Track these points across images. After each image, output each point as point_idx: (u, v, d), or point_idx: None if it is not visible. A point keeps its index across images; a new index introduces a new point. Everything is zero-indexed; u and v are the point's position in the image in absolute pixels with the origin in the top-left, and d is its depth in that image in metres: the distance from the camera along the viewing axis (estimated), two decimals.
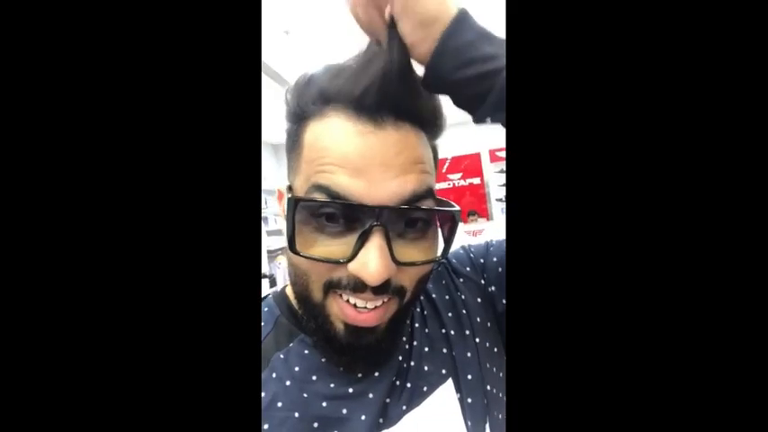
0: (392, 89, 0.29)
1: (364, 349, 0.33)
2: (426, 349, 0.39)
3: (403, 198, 0.29)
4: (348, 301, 0.31)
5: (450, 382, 0.38)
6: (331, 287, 0.31)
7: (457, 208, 0.33)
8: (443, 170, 4.42)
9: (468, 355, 0.39)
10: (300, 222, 0.30)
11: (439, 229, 0.34)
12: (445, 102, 0.33)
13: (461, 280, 0.43)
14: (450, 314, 0.41)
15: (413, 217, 0.31)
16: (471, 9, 0.30)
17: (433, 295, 0.42)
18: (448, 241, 0.33)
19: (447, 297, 0.42)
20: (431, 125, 0.33)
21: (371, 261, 0.28)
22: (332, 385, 0.35)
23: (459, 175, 4.45)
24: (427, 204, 0.30)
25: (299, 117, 0.32)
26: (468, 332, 0.40)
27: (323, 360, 0.36)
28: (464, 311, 0.41)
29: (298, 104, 0.32)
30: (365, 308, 0.31)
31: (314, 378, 0.36)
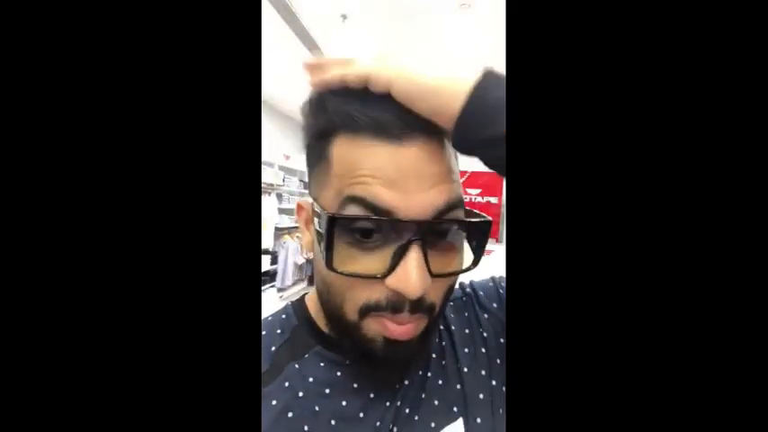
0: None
1: (398, 361, 0.33)
2: (440, 382, 0.38)
3: (439, 209, 0.29)
4: (395, 321, 0.31)
5: (460, 421, 0.37)
6: (369, 310, 0.31)
7: (489, 219, 0.33)
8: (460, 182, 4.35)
9: (481, 396, 0.38)
10: (336, 241, 0.29)
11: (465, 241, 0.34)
12: None
13: (486, 316, 0.42)
14: (466, 350, 0.40)
15: (450, 229, 0.31)
16: (472, 9, 0.30)
17: (453, 327, 0.41)
18: (477, 252, 0.33)
19: (467, 331, 0.41)
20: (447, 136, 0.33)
21: (412, 275, 0.28)
22: (344, 403, 0.35)
23: (477, 191, 4.43)
24: (458, 214, 0.31)
25: (325, 133, 0.32)
26: (483, 372, 0.39)
27: (338, 374, 0.36)
28: (483, 350, 0.40)
29: (322, 122, 0.32)
30: (401, 322, 0.31)
31: (327, 391, 0.35)
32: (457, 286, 0.44)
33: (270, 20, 2.25)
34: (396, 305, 0.30)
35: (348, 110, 0.30)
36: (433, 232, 0.30)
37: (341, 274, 0.30)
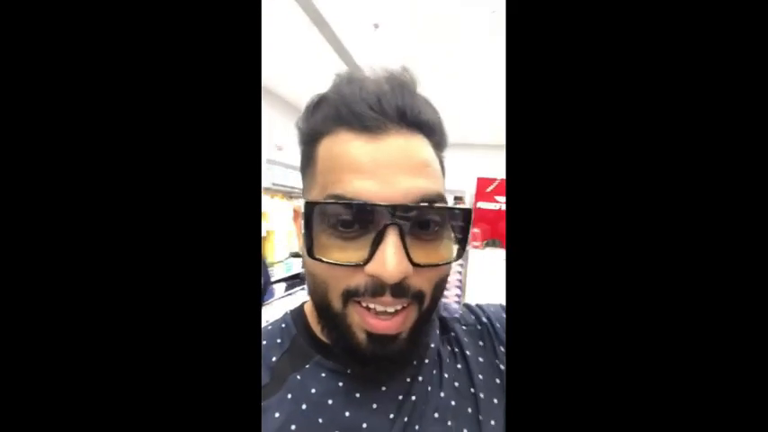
0: (395, 100, 0.32)
1: (388, 359, 0.33)
2: (453, 403, 0.38)
3: (414, 197, 0.30)
4: (368, 307, 0.32)
5: None
6: (350, 296, 0.32)
7: (468, 206, 0.34)
8: (489, 189, 4.35)
9: (493, 423, 0.37)
10: (318, 231, 0.31)
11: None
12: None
13: (502, 349, 0.41)
14: (481, 376, 0.40)
15: (425, 219, 0.32)
16: (471, 9, 0.31)
17: (467, 352, 0.41)
18: (461, 242, 0.34)
19: (481, 359, 0.41)
20: (433, 133, 0.35)
21: (388, 258, 0.29)
22: (347, 414, 0.35)
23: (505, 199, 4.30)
24: (440, 212, 0.32)
25: (312, 138, 0.34)
26: (496, 401, 0.39)
27: (340, 384, 0.36)
28: (498, 381, 0.40)
29: (310, 127, 0.34)
30: (385, 313, 0.31)
31: (330, 402, 0.36)
32: (471, 315, 0.45)
33: (302, 27, 2.30)
34: (375, 289, 0.31)
35: (334, 108, 0.33)
36: (412, 221, 0.31)
37: (322, 262, 0.31)
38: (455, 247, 0.34)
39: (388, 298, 0.31)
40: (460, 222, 0.34)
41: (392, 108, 0.32)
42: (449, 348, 0.42)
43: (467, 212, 0.33)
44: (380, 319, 0.32)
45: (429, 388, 0.38)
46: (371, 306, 0.32)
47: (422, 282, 0.32)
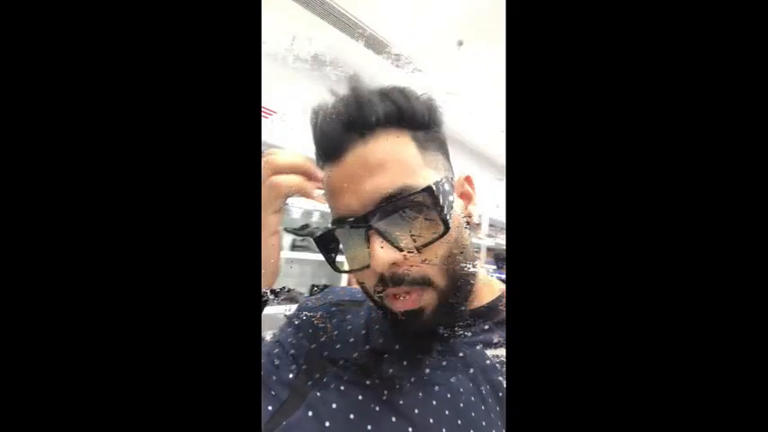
0: (339, 120, 0.36)
1: (420, 329, 0.38)
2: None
3: (377, 197, 0.35)
4: (392, 296, 0.38)
5: None
6: (377, 292, 0.38)
7: (424, 185, 0.35)
8: None
9: None
10: (334, 250, 0.40)
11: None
12: None
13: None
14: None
15: (400, 210, 0.35)
16: (472, 9, 0.31)
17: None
18: (441, 218, 0.36)
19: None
20: (395, 121, 0.37)
21: (374, 255, 0.35)
22: (369, 428, 0.37)
23: None
24: (413, 198, 0.35)
25: (319, 162, 0.40)
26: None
27: (359, 398, 0.39)
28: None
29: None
30: (399, 295, 0.37)
31: (351, 417, 0.38)
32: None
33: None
34: (381, 280, 0.37)
35: (314, 138, 0.39)
36: (388, 218, 0.35)
37: (345, 272, 0.39)
38: (440, 224, 0.36)
39: (391, 288, 0.37)
40: (429, 201, 0.36)
41: (340, 130, 0.36)
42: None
43: (427, 190, 0.35)
44: (397, 300, 0.37)
45: (448, 395, 0.38)
46: (390, 294, 0.37)
47: (420, 266, 0.36)
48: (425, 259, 0.36)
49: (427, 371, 0.40)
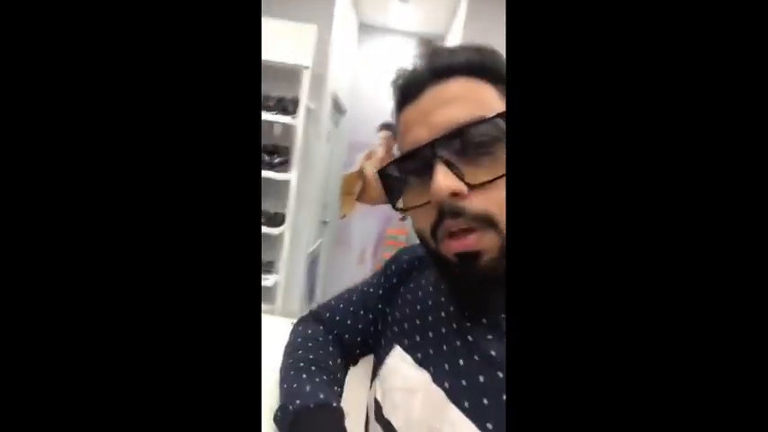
0: (421, 65, 0.38)
1: (479, 278, 0.36)
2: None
3: (448, 126, 0.34)
4: (448, 235, 0.36)
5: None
6: (435, 230, 0.37)
7: (495, 113, 0.34)
8: None
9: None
10: (397, 188, 0.39)
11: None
12: None
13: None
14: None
15: (469, 141, 0.34)
16: (472, 9, 0.30)
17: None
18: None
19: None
20: (474, 70, 0.37)
21: (436, 180, 0.34)
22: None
23: None
24: (484, 128, 0.34)
25: (396, 112, 0.41)
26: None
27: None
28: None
29: (395, 122, 0.42)
30: (458, 232, 0.35)
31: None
32: None
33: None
34: (440, 214, 0.35)
35: (394, 99, 0.41)
36: (456, 148, 0.35)
37: (401, 210, 0.40)
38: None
39: (449, 221, 0.35)
40: (503, 132, 0.34)
41: (421, 73, 0.38)
42: None
43: (501, 115, 0.34)
44: (456, 239, 0.35)
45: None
46: (448, 232, 0.36)
47: (484, 203, 0.34)
48: (491, 198, 0.34)
49: (470, 340, 0.39)
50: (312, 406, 0.42)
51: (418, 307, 0.47)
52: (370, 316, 0.54)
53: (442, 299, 0.45)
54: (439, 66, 0.37)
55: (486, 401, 0.35)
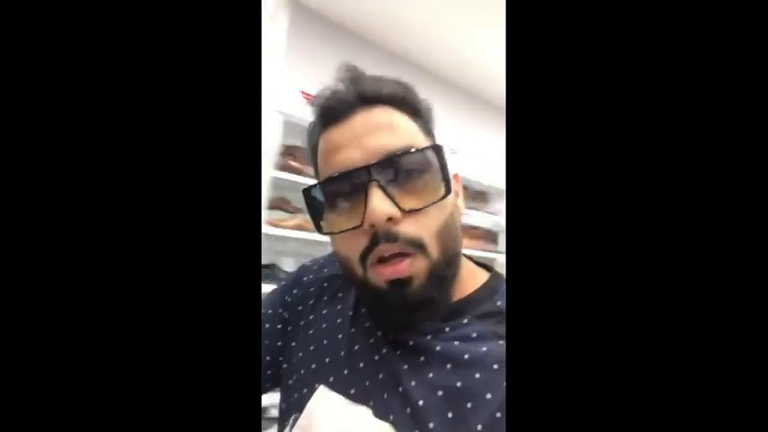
0: (350, 89, 0.38)
1: (408, 304, 0.36)
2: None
3: (381, 153, 0.35)
4: (378, 260, 0.36)
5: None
6: (364, 259, 0.36)
7: (431, 144, 0.37)
8: None
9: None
10: (321, 210, 0.38)
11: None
12: None
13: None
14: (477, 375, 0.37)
15: (402, 169, 0.36)
16: (472, 9, 0.31)
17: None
18: (444, 180, 0.36)
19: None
20: (399, 102, 0.39)
21: (371, 204, 0.33)
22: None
23: None
24: (416, 158, 0.36)
25: (313, 149, 0.41)
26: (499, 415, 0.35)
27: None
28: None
29: (310, 143, 0.42)
30: (390, 257, 0.35)
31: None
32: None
33: None
34: (373, 240, 0.35)
35: (316, 118, 0.40)
36: (390, 174, 0.36)
37: (327, 234, 0.38)
38: (442, 187, 0.36)
39: (383, 245, 0.35)
40: (436, 161, 0.37)
41: (349, 96, 0.38)
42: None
43: (436, 148, 0.37)
44: (387, 265, 0.35)
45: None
46: (377, 255, 0.35)
47: (416, 228, 0.35)
48: (421, 224, 0.36)
49: (405, 366, 0.37)
50: None
51: (340, 336, 0.43)
52: (267, 358, 0.47)
53: (366, 324, 0.43)
54: (368, 92, 0.38)
55: (431, 425, 0.34)
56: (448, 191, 0.36)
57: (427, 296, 0.36)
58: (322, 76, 0.42)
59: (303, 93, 1.85)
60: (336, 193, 0.37)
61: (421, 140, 0.39)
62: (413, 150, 0.36)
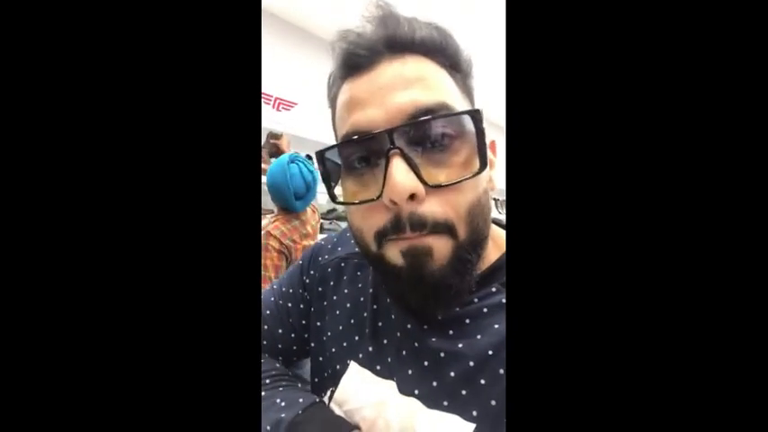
0: (377, 33, 0.32)
1: (428, 281, 0.31)
2: (482, 382, 0.34)
3: (409, 112, 0.29)
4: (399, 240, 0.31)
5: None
6: (381, 236, 0.32)
7: (470, 109, 0.31)
8: None
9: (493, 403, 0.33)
10: (336, 176, 0.33)
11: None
12: None
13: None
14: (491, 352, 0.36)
15: (430, 134, 0.30)
16: (472, 10, 0.26)
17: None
18: (480, 151, 0.30)
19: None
20: (435, 52, 0.32)
21: (394, 178, 0.28)
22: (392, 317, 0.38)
23: None
24: (450, 122, 0.30)
25: (332, 103, 0.36)
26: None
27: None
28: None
29: (330, 97, 0.36)
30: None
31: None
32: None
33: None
34: (395, 223, 0.30)
35: (335, 69, 0.34)
36: (416, 140, 0.30)
37: (342, 204, 0.33)
38: (476, 160, 0.30)
39: (407, 232, 0.30)
40: (472, 128, 0.30)
41: (376, 41, 0.32)
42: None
43: (474, 114, 0.30)
44: (405, 240, 0.31)
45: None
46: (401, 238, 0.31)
47: (444, 208, 0.30)
48: (450, 202, 0.30)
49: (433, 339, 0.36)
50: (300, 412, 0.38)
51: (365, 314, 0.41)
52: (292, 335, 0.48)
53: (388, 300, 0.40)
54: (398, 37, 0.32)
55: (464, 392, 0.33)
56: (483, 165, 0.30)
57: (446, 281, 0.31)
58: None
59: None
60: (353, 157, 0.32)
61: (457, 100, 0.32)
62: (445, 113, 0.30)
